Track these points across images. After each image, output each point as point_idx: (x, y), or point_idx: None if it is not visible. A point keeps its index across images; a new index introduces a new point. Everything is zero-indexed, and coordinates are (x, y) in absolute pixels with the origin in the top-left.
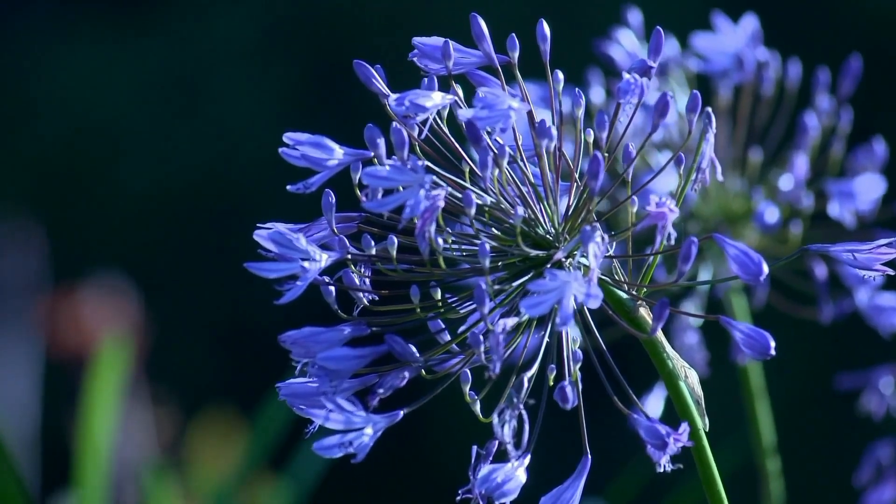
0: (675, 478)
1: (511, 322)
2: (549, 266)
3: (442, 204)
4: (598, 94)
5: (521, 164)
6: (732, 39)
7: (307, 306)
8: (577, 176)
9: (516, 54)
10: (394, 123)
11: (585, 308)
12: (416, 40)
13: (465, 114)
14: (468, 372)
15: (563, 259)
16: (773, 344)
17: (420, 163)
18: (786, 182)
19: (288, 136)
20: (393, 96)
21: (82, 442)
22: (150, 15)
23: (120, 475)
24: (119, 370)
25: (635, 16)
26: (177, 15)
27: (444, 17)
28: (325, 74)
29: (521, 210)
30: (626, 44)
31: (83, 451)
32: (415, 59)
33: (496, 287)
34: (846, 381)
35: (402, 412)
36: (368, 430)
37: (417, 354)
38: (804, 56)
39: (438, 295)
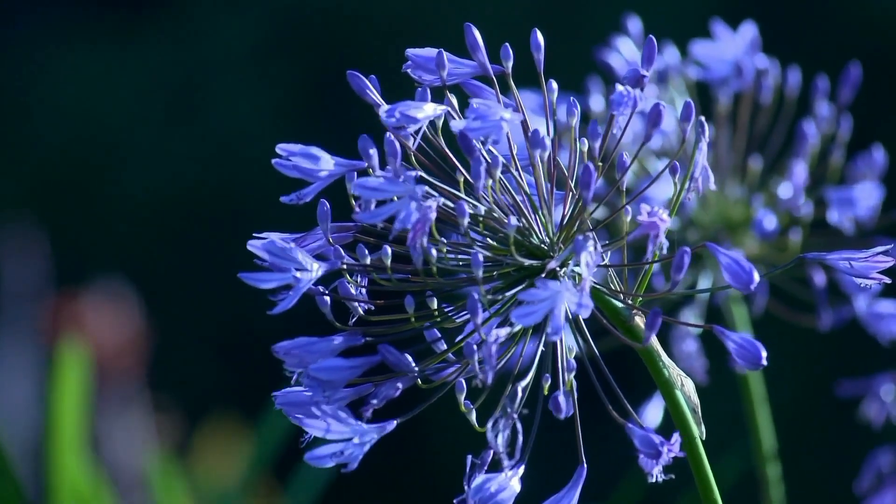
0: (675, 489)
1: (504, 332)
2: (542, 275)
3: (434, 215)
4: (597, 102)
5: (515, 173)
6: (731, 47)
7: (310, 314)
8: (571, 185)
9: (510, 64)
10: (387, 134)
11: (581, 317)
12: (410, 51)
13: (457, 125)
14: (463, 381)
15: (558, 268)
16: (764, 354)
17: (412, 173)
18: (785, 190)
19: (280, 148)
20: (384, 107)
21: (53, 449)
22: (149, 21)
23: (123, 483)
24: (81, 372)
25: (635, 24)
26: (176, 21)
27: (444, 25)
28: (325, 81)
29: (514, 220)
30: (625, 52)
31: (54, 458)
32: (409, 70)
33: (490, 297)
34: (847, 388)
35: (394, 422)
36: (357, 440)
37: (412, 364)
38: (803, 63)
39: (434, 304)
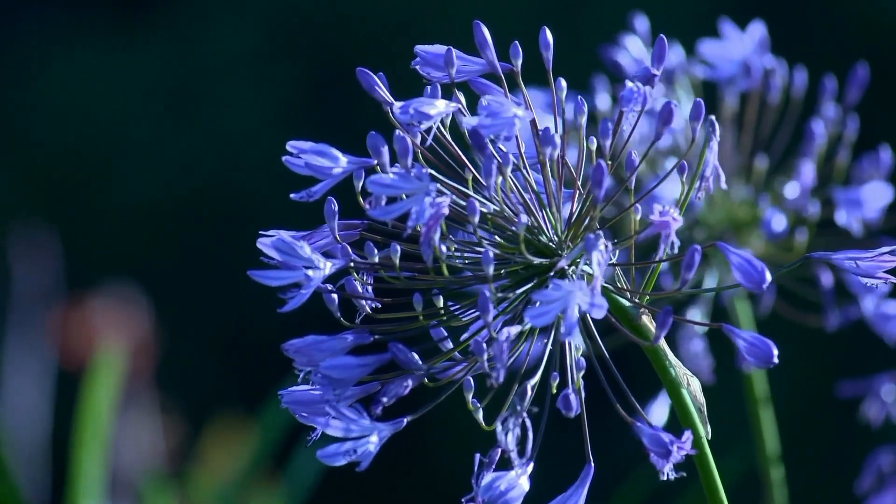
0: (679, 486)
1: (515, 330)
2: (552, 274)
3: (446, 211)
4: (604, 101)
5: (524, 171)
6: (739, 46)
7: (314, 313)
8: (580, 184)
9: (519, 62)
10: (397, 131)
11: (588, 316)
12: (419, 48)
13: (469, 122)
14: (471, 380)
15: (567, 267)
16: (776, 352)
17: (424, 170)
18: (792, 190)
19: (291, 145)
20: (397, 104)
21: (79, 451)
22: (152, 22)
23: (126, 483)
24: (115, 378)
25: (642, 22)
26: (179, 22)
27: (446, 25)
28: (327, 81)
29: (524, 218)
30: (632, 50)
31: (80, 460)
32: (417, 67)
33: (499, 295)
34: (848, 389)
35: (406, 419)
36: (373, 438)
37: (420, 362)
38: (811, 63)
39: (441, 303)
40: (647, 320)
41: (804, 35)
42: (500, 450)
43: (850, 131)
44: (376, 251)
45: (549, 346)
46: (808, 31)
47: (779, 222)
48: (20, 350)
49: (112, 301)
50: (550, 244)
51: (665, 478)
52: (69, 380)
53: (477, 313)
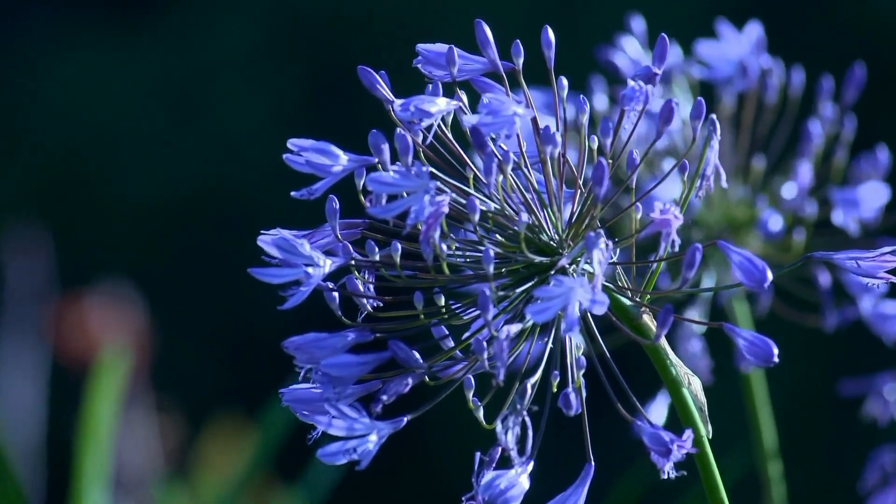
0: (677, 485)
1: (515, 328)
2: (553, 272)
3: (446, 210)
4: (601, 102)
5: (524, 170)
6: (736, 47)
7: (314, 311)
8: (580, 183)
9: (521, 61)
10: (398, 129)
11: (589, 314)
12: (420, 47)
13: (470, 119)
14: (471, 378)
15: (567, 265)
16: (776, 351)
17: (424, 168)
18: (789, 190)
19: (292, 143)
20: (398, 102)
21: (82, 451)
22: (150, 22)
23: (125, 483)
24: (118, 380)
25: (639, 23)
26: (178, 22)
27: (446, 24)
28: (327, 81)
29: (525, 216)
30: (629, 51)
31: (83, 460)
32: (419, 65)
33: (500, 293)
34: (849, 388)
35: (406, 418)
36: (373, 437)
37: (421, 361)
38: (808, 63)
39: (442, 301)
40: (648, 319)
41: (801, 35)
42: (500, 448)
43: (847, 131)
44: (377, 249)
45: (549, 345)
46: (806, 31)
47: (775, 222)
48: (15, 348)
49: (108, 299)
50: (551, 243)
51: (666, 476)
52: (65, 378)
53: (478, 312)
